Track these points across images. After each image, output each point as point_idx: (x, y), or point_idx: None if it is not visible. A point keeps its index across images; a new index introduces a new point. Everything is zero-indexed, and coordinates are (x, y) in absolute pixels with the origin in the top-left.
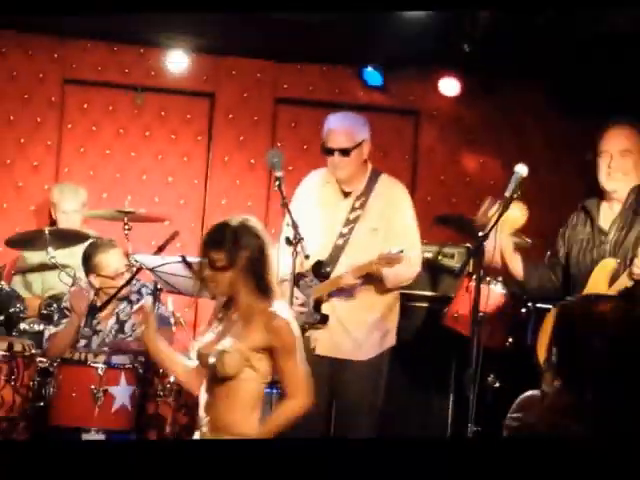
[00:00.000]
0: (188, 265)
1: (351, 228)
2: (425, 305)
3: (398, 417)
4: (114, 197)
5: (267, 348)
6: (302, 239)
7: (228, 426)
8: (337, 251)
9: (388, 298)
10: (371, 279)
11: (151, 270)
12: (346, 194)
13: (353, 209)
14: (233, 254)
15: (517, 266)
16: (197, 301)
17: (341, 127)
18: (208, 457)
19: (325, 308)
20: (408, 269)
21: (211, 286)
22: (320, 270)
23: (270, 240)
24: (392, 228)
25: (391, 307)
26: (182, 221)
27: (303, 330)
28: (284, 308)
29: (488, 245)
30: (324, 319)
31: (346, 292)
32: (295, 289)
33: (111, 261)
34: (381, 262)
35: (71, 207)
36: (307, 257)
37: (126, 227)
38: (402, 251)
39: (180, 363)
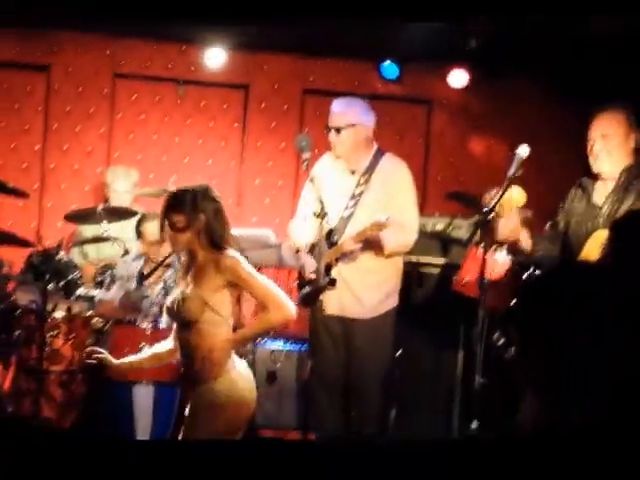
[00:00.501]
0: None
1: (356, 202)
2: (436, 272)
3: (412, 372)
4: (160, 178)
5: (224, 286)
6: (327, 214)
7: (200, 372)
8: (343, 222)
9: (389, 263)
10: (372, 245)
11: None
12: (352, 172)
13: (358, 185)
14: (192, 217)
15: (524, 238)
16: None
17: (337, 109)
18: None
19: (334, 272)
20: (405, 236)
21: (172, 244)
22: (329, 239)
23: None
24: (392, 201)
25: (392, 271)
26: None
27: (317, 293)
28: (234, 252)
29: (508, 223)
30: (332, 282)
31: (351, 257)
32: (309, 257)
33: (150, 229)
34: (373, 228)
35: (122, 187)
36: (331, 231)
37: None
38: (388, 218)
39: (149, 357)
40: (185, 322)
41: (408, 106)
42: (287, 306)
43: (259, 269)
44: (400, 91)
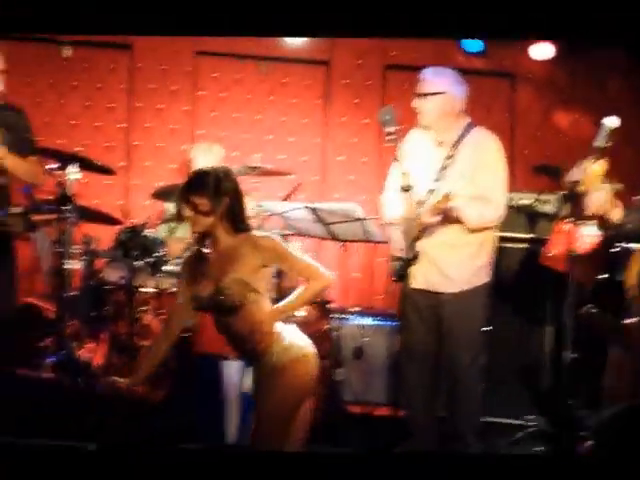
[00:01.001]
0: (312, 210)
1: (443, 175)
2: (524, 247)
3: (499, 348)
4: (243, 156)
5: (263, 265)
6: (412, 186)
7: (253, 349)
8: (430, 195)
9: (477, 238)
10: (453, 220)
11: (279, 214)
12: (440, 144)
13: (446, 157)
14: (215, 199)
15: (614, 211)
16: (320, 247)
17: (426, 76)
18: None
19: (418, 246)
20: (489, 211)
21: (193, 227)
22: (415, 213)
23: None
24: (478, 174)
25: (481, 247)
26: (304, 176)
27: (405, 268)
28: (263, 232)
29: (597, 196)
30: (415, 256)
31: (435, 232)
32: (397, 231)
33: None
34: (442, 201)
35: (207, 163)
36: (419, 203)
37: (254, 181)
38: (452, 192)
39: (159, 355)
40: (228, 309)
41: (492, 80)
42: (325, 274)
43: (344, 242)
44: (483, 65)
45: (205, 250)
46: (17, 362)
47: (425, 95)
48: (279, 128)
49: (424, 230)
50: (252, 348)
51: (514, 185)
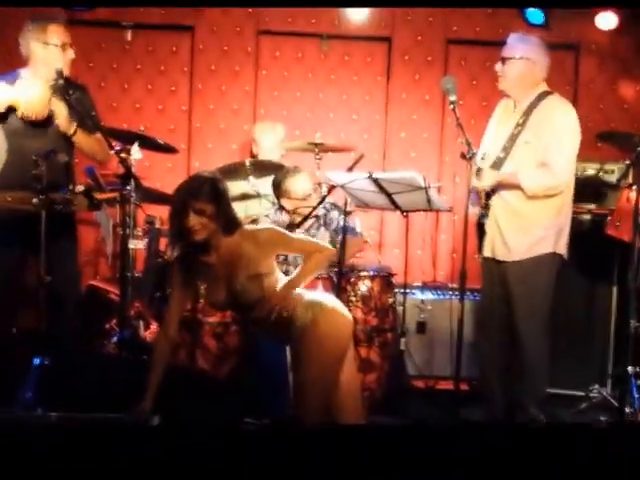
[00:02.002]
0: (375, 181)
1: (512, 142)
2: (589, 217)
3: (565, 316)
4: (305, 134)
5: (268, 255)
6: (474, 154)
7: (280, 324)
8: (499, 163)
9: (541, 206)
10: (513, 187)
11: (341, 186)
12: (516, 111)
13: (517, 125)
14: (217, 204)
15: None
16: (382, 223)
17: (510, 40)
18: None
19: (490, 214)
20: (549, 178)
21: (195, 232)
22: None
23: None
24: (542, 141)
25: (545, 215)
26: (366, 152)
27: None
28: (253, 225)
29: None
30: (479, 225)
31: (501, 200)
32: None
33: (298, 185)
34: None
35: (270, 142)
36: (478, 170)
37: (317, 157)
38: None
39: (158, 371)
40: (250, 307)
41: (555, 52)
42: (326, 246)
43: (406, 213)
44: (546, 36)
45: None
46: (81, 345)
47: (507, 59)
48: (340, 106)
49: (489, 197)
50: (279, 325)
51: (578, 155)
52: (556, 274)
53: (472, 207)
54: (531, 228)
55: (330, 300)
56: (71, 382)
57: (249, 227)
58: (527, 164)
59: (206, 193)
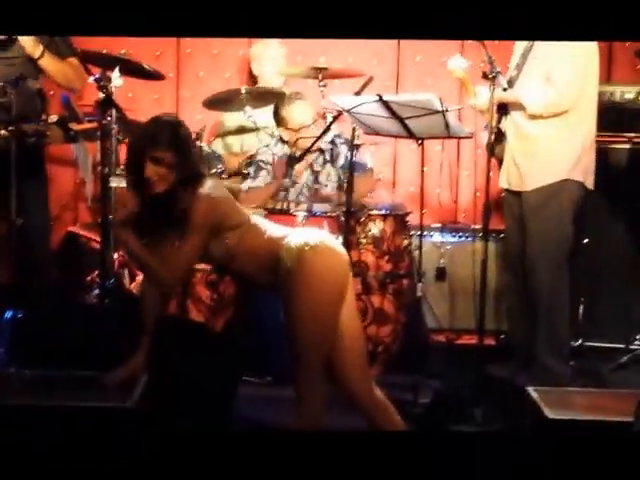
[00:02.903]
0: (385, 104)
1: (524, 59)
2: (628, 147)
3: (604, 259)
4: (308, 60)
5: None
6: (499, 72)
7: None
8: (511, 81)
9: (548, 128)
10: (517, 106)
11: (348, 111)
12: None
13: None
14: (178, 152)
15: None
16: (396, 159)
17: None
18: None
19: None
20: (551, 94)
21: (153, 184)
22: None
23: None
24: (547, 54)
25: (553, 138)
26: (377, 79)
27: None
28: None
29: None
30: (489, 149)
31: (513, 124)
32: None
33: (296, 113)
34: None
35: (272, 58)
36: (505, 89)
37: (321, 85)
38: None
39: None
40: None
41: None
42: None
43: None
44: None
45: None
46: (59, 299)
47: None
48: None
49: (499, 121)
50: (262, 271)
51: (615, 78)
52: (580, 205)
53: (486, 134)
54: (540, 152)
55: (318, 236)
56: (48, 337)
57: (206, 188)
58: (535, 81)
59: (165, 139)
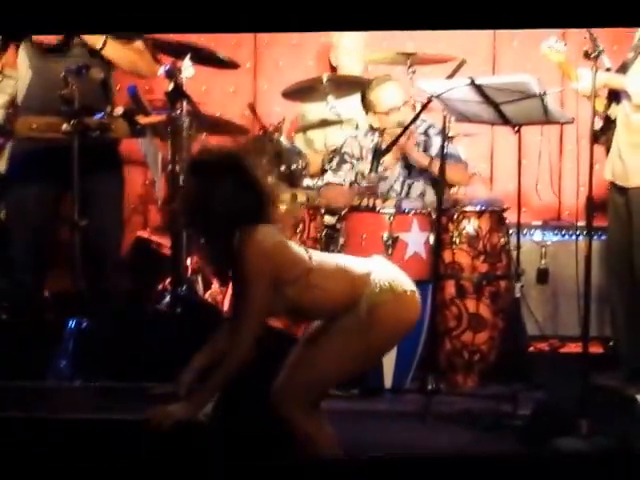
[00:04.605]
0: (478, 88)
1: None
2: None
3: None
4: (394, 46)
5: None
6: (602, 52)
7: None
8: (626, 65)
9: None
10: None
11: (437, 97)
12: None
13: None
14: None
15: None
16: (493, 154)
17: None
18: None
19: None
20: None
21: None
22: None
23: None
24: None
25: None
26: (472, 65)
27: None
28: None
29: None
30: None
31: (623, 110)
32: None
33: (384, 95)
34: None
35: (354, 44)
36: (608, 69)
37: (410, 71)
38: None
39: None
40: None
41: None
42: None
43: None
44: None
45: None
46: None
47: None
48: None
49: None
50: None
51: None
52: None
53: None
54: None
55: (402, 280)
56: (115, 347)
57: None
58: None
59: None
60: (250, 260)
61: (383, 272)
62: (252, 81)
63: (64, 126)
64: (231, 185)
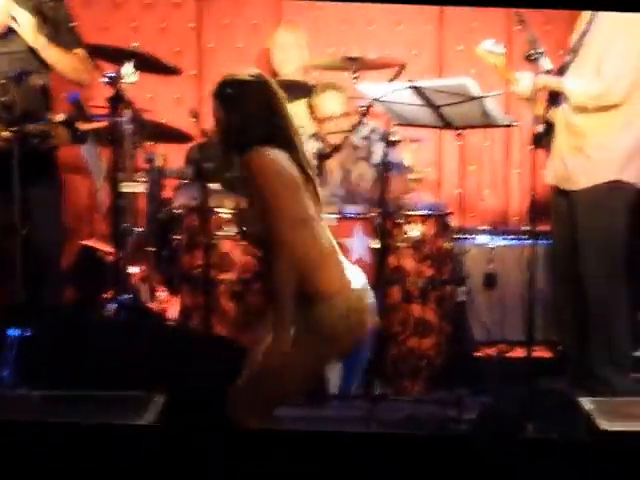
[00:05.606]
0: (418, 91)
1: (580, 43)
2: None
3: None
4: (340, 50)
5: None
6: (541, 54)
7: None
8: (564, 67)
9: (597, 121)
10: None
11: (378, 100)
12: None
13: (587, 22)
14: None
15: None
16: (441, 160)
17: None
18: None
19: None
20: (597, 83)
21: None
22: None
23: None
24: (602, 42)
25: (603, 133)
26: (415, 70)
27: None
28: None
29: None
30: (536, 139)
31: (563, 112)
32: None
33: (325, 101)
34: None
35: (292, 45)
36: (548, 72)
37: (354, 76)
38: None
39: None
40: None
41: None
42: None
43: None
44: None
45: None
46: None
47: None
48: (383, 16)
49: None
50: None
51: None
52: (632, 208)
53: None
54: (588, 148)
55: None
56: (59, 355)
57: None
58: (589, 69)
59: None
60: (261, 172)
61: (359, 281)
62: (197, 87)
63: (4, 133)
64: (259, 104)
